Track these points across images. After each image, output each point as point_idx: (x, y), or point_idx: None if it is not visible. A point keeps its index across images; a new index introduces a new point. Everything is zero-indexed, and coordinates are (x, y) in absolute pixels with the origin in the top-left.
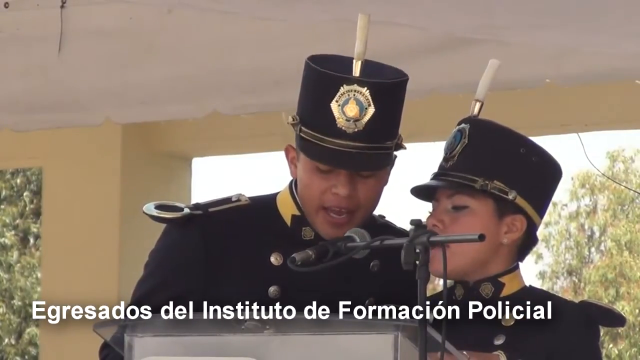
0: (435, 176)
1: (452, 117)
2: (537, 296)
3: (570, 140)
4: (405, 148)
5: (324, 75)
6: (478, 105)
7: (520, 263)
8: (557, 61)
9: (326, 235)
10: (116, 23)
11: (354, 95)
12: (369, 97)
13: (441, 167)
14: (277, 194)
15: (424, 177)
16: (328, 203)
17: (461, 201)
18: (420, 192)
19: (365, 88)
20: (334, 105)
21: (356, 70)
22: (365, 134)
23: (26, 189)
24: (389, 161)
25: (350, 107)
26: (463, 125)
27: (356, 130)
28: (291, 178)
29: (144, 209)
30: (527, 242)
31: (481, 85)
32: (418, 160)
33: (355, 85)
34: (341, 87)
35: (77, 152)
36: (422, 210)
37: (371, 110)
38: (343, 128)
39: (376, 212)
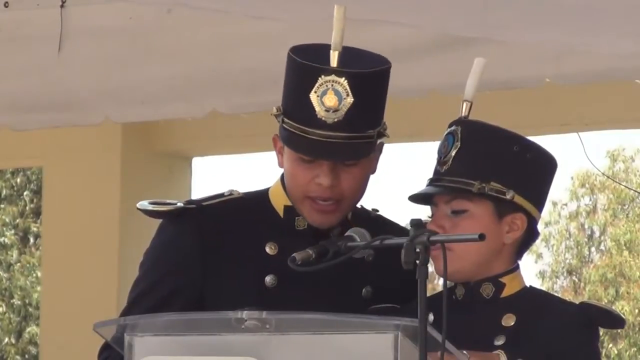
0: (431, 181)
1: (451, 117)
2: (538, 297)
3: (570, 139)
4: (388, 136)
5: (302, 66)
6: (467, 105)
7: (519, 262)
8: (556, 60)
9: (314, 224)
10: (116, 23)
11: (332, 85)
12: (347, 87)
13: (436, 171)
14: (269, 188)
15: (424, 177)
16: (312, 193)
17: (460, 205)
18: (418, 198)
19: (343, 78)
20: (313, 96)
21: (333, 60)
22: (345, 123)
23: (26, 189)
24: (371, 150)
25: (329, 97)
26: (454, 127)
27: (336, 120)
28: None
29: (138, 205)
30: (528, 239)
31: (469, 85)
32: (418, 160)
33: (333, 75)
34: (319, 78)
35: (77, 151)
36: (422, 208)
37: (350, 100)
38: (323, 119)
39: (370, 206)
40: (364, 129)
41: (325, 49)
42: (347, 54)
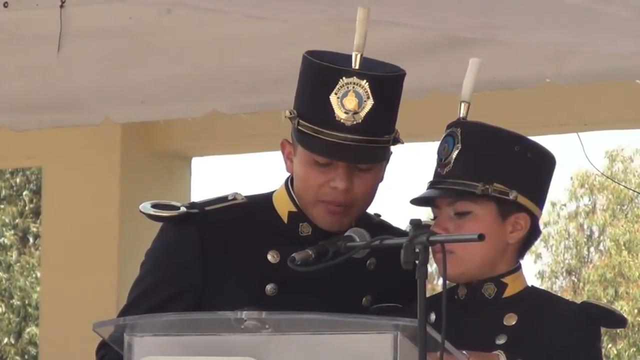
0: (432, 184)
1: (451, 117)
2: (540, 296)
3: (570, 139)
4: (402, 142)
5: (323, 68)
6: (465, 106)
7: (521, 261)
8: (556, 61)
9: (325, 225)
10: (115, 23)
11: (353, 87)
12: (368, 90)
13: (437, 174)
14: (273, 192)
15: (424, 177)
16: (325, 197)
17: (464, 207)
18: (420, 201)
19: (365, 80)
20: (333, 98)
21: (355, 63)
22: (364, 126)
23: (26, 189)
24: (387, 155)
25: (349, 99)
26: (453, 128)
27: (354, 122)
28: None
29: (141, 207)
30: (530, 237)
31: (465, 85)
32: (418, 160)
33: (355, 77)
34: (340, 80)
35: (76, 151)
36: (422, 209)
37: (370, 103)
38: (342, 121)
39: (372, 211)
40: (381, 133)
41: (340, 54)
42: (365, 60)
